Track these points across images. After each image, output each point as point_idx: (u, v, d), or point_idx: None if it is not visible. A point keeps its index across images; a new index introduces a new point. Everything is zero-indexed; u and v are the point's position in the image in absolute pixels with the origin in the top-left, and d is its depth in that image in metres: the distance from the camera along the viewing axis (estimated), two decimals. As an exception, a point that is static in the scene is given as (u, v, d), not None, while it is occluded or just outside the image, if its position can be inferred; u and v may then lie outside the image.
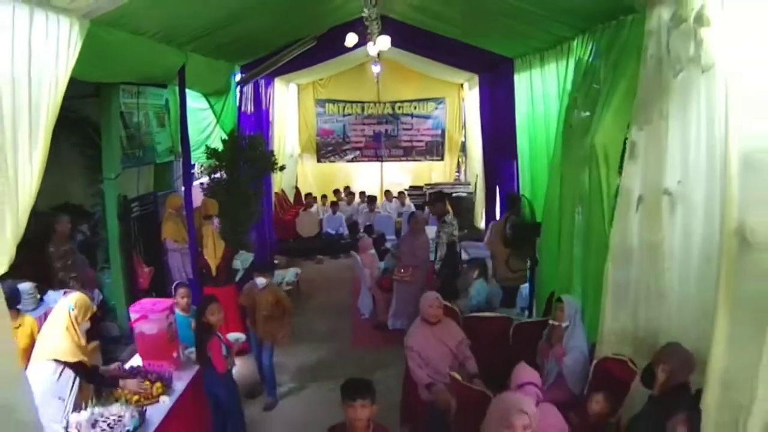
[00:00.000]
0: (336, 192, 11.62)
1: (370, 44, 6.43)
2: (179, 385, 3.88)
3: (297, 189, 12.08)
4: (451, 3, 6.07)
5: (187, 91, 6.17)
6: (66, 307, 3.43)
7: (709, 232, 3.31)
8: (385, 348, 6.13)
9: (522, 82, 7.08)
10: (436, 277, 6.41)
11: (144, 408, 3.55)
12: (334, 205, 10.74)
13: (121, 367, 4.00)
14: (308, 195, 11.20)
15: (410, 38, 8.16)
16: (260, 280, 4.97)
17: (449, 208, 7.78)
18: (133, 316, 3.98)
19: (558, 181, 5.00)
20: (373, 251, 7.31)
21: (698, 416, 3.00)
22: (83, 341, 3.48)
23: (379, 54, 9.19)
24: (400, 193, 11.38)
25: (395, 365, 5.33)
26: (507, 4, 5.03)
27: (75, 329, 3.42)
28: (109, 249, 6.05)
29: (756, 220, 2.80)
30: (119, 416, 3.44)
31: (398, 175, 12.77)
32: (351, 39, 5.87)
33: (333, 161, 12.79)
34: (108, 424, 3.37)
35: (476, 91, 10.16)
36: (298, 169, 12.43)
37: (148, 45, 4.73)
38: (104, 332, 5.80)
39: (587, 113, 4.44)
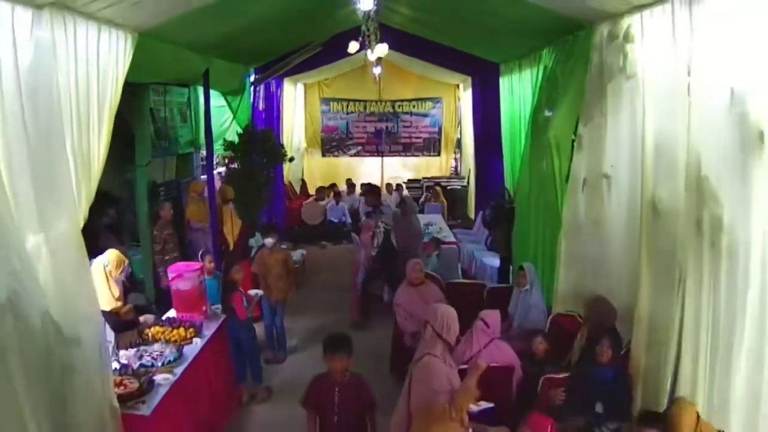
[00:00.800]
0: (334, 186, 12.32)
1: (369, 51, 7.25)
2: (207, 331, 4.74)
3: (303, 181, 12.94)
4: (441, 15, 6.90)
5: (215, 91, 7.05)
6: (101, 264, 4.27)
7: (633, 205, 4.15)
8: (379, 316, 6.98)
9: (506, 84, 7.92)
10: (374, 262, 7.04)
11: (181, 346, 4.41)
12: (336, 195, 11.58)
13: (158, 319, 4.87)
14: (320, 188, 11.94)
15: (408, 44, 9.04)
16: (269, 240, 5.83)
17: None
18: (171, 275, 4.86)
19: (527, 170, 5.85)
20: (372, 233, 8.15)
21: (619, 337, 3.83)
22: (117, 292, 4.32)
23: (379, 57, 10.02)
24: (398, 185, 12.23)
25: (386, 328, 6.17)
26: (488, 18, 5.87)
27: (109, 282, 4.25)
28: (139, 228, 6.90)
29: (662, 193, 3.66)
30: (161, 352, 4.31)
31: (398, 170, 13.61)
32: (353, 46, 6.70)
33: (337, 156, 13.66)
34: (152, 357, 4.24)
35: (470, 91, 10.99)
36: (304, 162, 13.29)
37: (180, 52, 5.60)
38: (133, 302, 6.67)
39: (549, 113, 5.29)
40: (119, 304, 4.29)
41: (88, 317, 3.38)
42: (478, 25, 6.51)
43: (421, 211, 10.44)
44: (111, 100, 3.93)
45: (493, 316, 4.13)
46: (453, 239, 8.12)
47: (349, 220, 11.10)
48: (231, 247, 6.73)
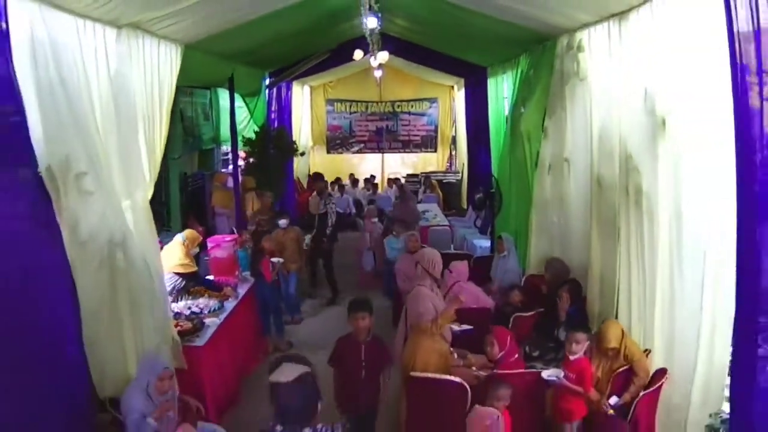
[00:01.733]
0: (338, 179, 13.29)
1: (371, 58, 8.25)
2: (240, 291, 5.75)
3: (309, 176, 13.92)
4: (434, 27, 7.90)
5: (227, 91, 8.04)
6: (181, 238, 5.31)
7: (585, 182, 5.15)
8: (381, 288, 7.97)
9: (492, 86, 8.93)
10: (326, 240, 7.85)
11: (221, 301, 5.41)
12: (341, 188, 12.59)
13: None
14: (311, 182, 12.85)
15: (406, 50, 10.04)
16: (283, 221, 6.86)
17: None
18: (210, 245, 5.87)
19: (507, 158, 6.86)
20: (375, 219, 9.14)
21: (578, 286, 4.82)
22: (188, 259, 5.33)
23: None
24: (397, 179, 13.22)
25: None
26: (476, 30, 6.86)
27: (184, 251, 5.27)
28: (171, 213, 7.90)
29: (604, 171, 4.66)
30: (206, 304, 5.31)
31: (397, 165, 14.62)
32: (358, 54, 7.72)
33: (341, 152, 14.67)
34: (199, 308, 5.24)
35: (463, 92, 11.99)
36: (310, 159, 14.29)
37: (212, 60, 6.60)
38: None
39: (523, 109, 6.30)
40: (189, 265, 5.30)
41: (156, 269, 4.39)
42: (466, 36, 7.51)
43: (419, 202, 11.43)
44: (167, 100, 4.95)
45: (457, 265, 5.16)
46: (446, 223, 9.12)
47: (354, 210, 12.10)
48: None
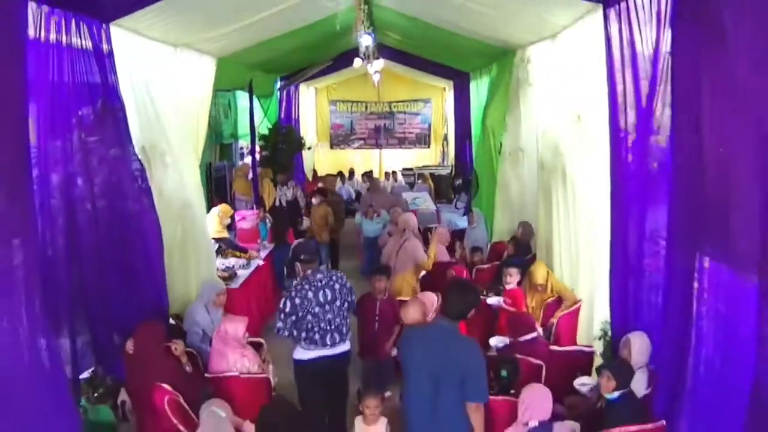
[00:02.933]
0: (341, 173, 14.69)
1: (369, 65, 9.65)
2: (262, 254, 7.15)
3: (314, 170, 15.34)
4: (422, 40, 9.29)
5: (244, 93, 9.45)
6: (216, 211, 6.72)
7: (534, 166, 6.53)
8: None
9: (474, 88, 10.32)
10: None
11: (247, 260, 6.81)
12: (342, 180, 14.01)
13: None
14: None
15: (400, 57, 11.45)
16: (315, 200, 8.28)
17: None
18: (237, 218, 7.28)
19: (480, 149, 8.26)
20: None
21: (527, 244, 6.21)
22: (222, 228, 6.74)
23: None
24: (394, 172, 14.63)
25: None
26: (456, 43, 8.23)
27: (220, 222, 6.68)
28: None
29: (545, 157, 6.05)
30: (236, 262, 6.72)
31: (394, 160, 16.00)
32: (357, 62, 9.11)
33: (343, 148, 16.08)
34: (231, 264, 6.64)
35: (452, 94, 13.38)
36: (315, 154, 15.68)
37: (236, 68, 8.00)
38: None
39: (491, 108, 7.69)
40: (222, 231, 6.72)
41: (205, 229, 5.81)
42: (450, 47, 8.90)
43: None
44: (207, 101, 6.37)
45: (440, 230, 6.60)
46: (433, 208, 10.52)
47: (354, 198, 13.53)
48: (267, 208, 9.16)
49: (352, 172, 14.96)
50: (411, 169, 15.23)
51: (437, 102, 15.69)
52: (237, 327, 4.15)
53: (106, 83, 4.17)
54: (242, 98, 10.50)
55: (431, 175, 14.10)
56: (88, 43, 4.05)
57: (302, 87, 13.52)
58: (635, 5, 3.74)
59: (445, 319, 3.13)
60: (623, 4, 3.89)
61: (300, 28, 7.24)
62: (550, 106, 5.81)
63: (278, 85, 10.97)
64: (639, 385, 3.57)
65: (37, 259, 3.24)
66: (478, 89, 9.96)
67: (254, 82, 8.98)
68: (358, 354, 4.99)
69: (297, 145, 11.02)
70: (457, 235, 7.79)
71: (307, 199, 9.79)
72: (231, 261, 6.73)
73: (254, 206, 8.67)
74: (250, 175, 9.45)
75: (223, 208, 6.78)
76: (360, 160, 16.06)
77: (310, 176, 15.02)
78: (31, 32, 3.49)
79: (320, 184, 10.15)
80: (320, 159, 15.97)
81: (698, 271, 3.11)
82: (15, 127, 3.01)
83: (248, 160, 11.16)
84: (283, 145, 10.63)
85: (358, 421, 3.64)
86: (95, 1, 4.06)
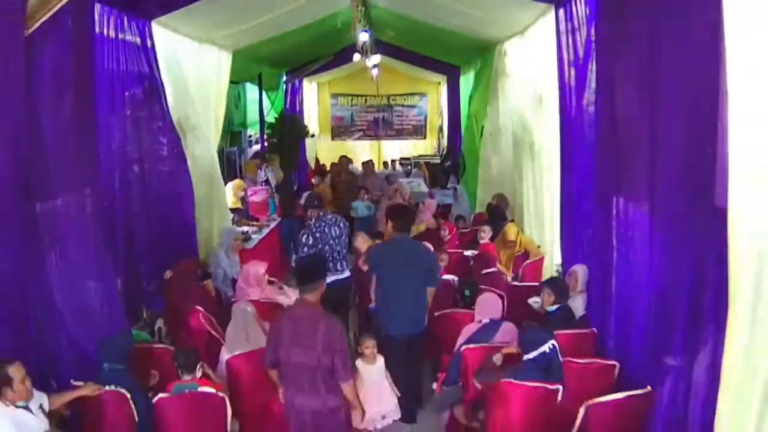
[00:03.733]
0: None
1: (367, 60, 10.61)
2: (271, 224, 8.12)
3: (317, 159, 16.30)
4: (415, 36, 10.24)
5: (252, 86, 10.41)
6: (231, 185, 7.69)
7: (509, 144, 7.48)
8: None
9: (463, 81, 11.29)
10: None
11: (259, 228, 7.77)
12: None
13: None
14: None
15: (396, 52, 12.40)
16: (314, 180, 9.23)
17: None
18: (250, 192, 8.25)
19: (467, 133, 9.22)
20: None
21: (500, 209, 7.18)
22: (238, 200, 7.71)
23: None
24: (393, 161, 15.57)
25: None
26: (446, 39, 9.18)
27: (235, 194, 7.65)
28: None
29: (517, 136, 7.01)
30: (249, 229, 7.67)
31: (392, 150, 16.94)
32: (356, 56, 10.07)
33: (343, 140, 17.02)
34: (245, 231, 7.60)
35: (446, 87, 14.34)
36: (317, 144, 16.64)
37: (248, 62, 8.95)
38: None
39: (475, 97, 8.65)
40: (237, 203, 7.71)
41: (223, 195, 6.80)
42: (441, 43, 9.86)
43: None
44: (225, 88, 7.33)
45: (428, 201, 7.54)
46: (426, 190, 11.46)
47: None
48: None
49: (350, 161, 15.94)
50: (408, 159, 16.16)
51: (433, 96, 16.63)
52: (258, 268, 5.12)
53: (149, 69, 5.16)
54: (250, 91, 11.46)
55: (426, 164, 15.04)
56: (136, 39, 5.04)
57: (305, 82, 14.46)
58: (576, 7, 4.70)
59: (400, 233, 4.19)
60: (569, 6, 4.86)
61: (305, 26, 8.19)
62: (520, 90, 6.77)
63: (284, 78, 11.93)
64: (579, 305, 4.52)
65: (101, 207, 4.22)
66: (467, 82, 10.92)
67: (262, 75, 9.93)
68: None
69: (301, 133, 11.98)
70: (445, 209, 8.75)
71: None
72: (245, 228, 7.69)
73: (263, 184, 9.65)
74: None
75: (237, 182, 7.75)
76: (359, 150, 16.99)
77: (312, 165, 16.01)
78: (96, 29, 4.45)
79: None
80: (322, 149, 16.90)
81: (615, 208, 4.07)
82: (86, 104, 3.99)
83: (256, 147, 12.16)
84: (288, 133, 11.57)
85: (359, 362, 4.01)
86: (141, 2, 5.03)
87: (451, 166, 9.70)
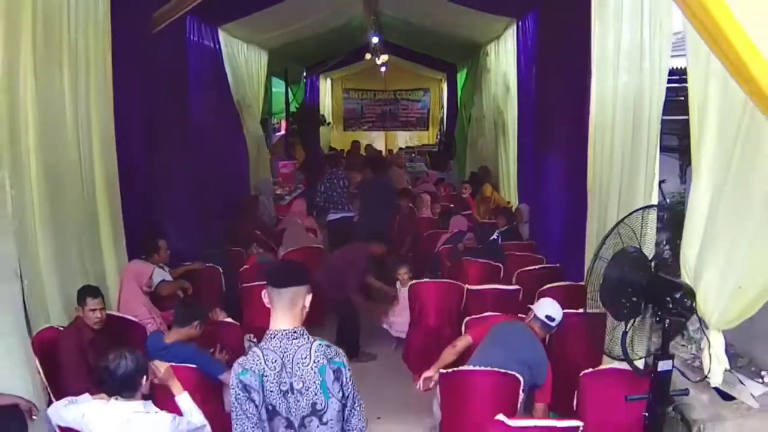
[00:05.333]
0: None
1: (377, 59, 12.49)
2: (298, 190, 10.01)
3: (330, 147, 18.21)
4: (418, 38, 12.11)
5: (277, 80, 12.31)
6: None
7: (491, 126, 9.34)
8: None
9: (459, 78, 13.14)
10: None
11: (289, 192, 9.67)
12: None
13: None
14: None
15: (403, 52, 14.28)
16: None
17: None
18: (280, 165, 10.17)
19: (460, 122, 11.11)
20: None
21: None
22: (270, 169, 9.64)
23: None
24: (400, 149, 17.44)
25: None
26: (443, 42, 11.04)
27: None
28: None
29: (496, 119, 8.88)
30: (280, 191, 9.58)
31: (398, 140, 18.83)
32: (367, 56, 11.96)
33: (354, 130, 18.90)
34: (278, 194, 9.52)
35: (446, 84, 16.20)
36: (330, 135, 18.54)
37: (278, 59, 10.84)
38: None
39: (464, 89, 10.52)
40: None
41: (266, 158, 8.73)
42: (440, 45, 11.74)
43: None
44: (263, 82, 9.24)
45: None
46: (425, 170, 13.36)
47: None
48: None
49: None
50: (412, 148, 18.06)
51: (434, 92, 18.50)
52: (300, 204, 7.03)
53: (217, 62, 7.07)
54: (275, 85, 13.38)
55: (428, 152, 16.94)
56: (209, 42, 6.94)
57: (321, 78, 16.38)
58: (528, 23, 6.58)
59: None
60: (523, 21, 6.73)
61: (325, 30, 10.08)
62: (496, 83, 8.64)
63: (304, 74, 13.84)
64: (525, 231, 6.40)
65: (189, 164, 6.10)
66: (462, 78, 12.79)
67: (288, 71, 11.83)
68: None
69: (319, 121, 13.89)
70: (440, 180, 10.67)
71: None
72: (279, 191, 9.62)
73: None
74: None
75: (268, 156, 9.67)
76: (369, 140, 18.87)
77: (326, 151, 17.96)
78: (186, 33, 6.36)
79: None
80: (335, 139, 18.82)
81: (543, 164, 5.93)
82: (182, 90, 5.89)
83: (278, 133, 14.10)
84: (308, 121, 13.48)
85: (398, 284, 5.06)
86: (212, 15, 6.94)
87: (444, 148, 11.55)
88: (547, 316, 3.35)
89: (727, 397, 3.51)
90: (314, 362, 2.03)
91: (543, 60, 5.79)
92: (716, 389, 4.65)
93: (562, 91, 5.13)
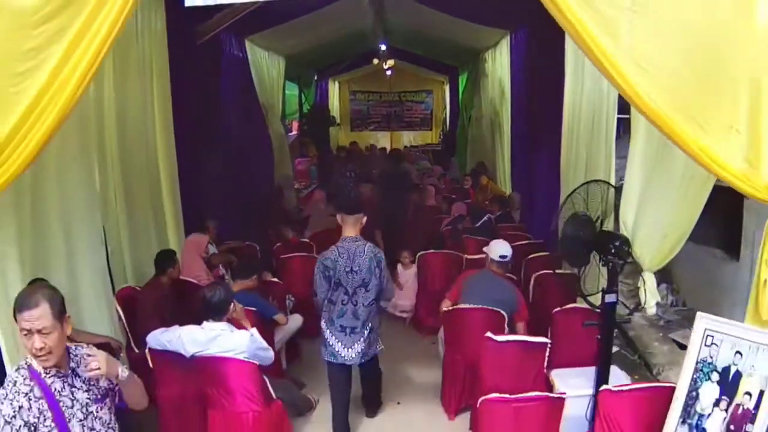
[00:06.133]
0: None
1: (384, 63, 13.43)
2: (313, 185, 10.95)
3: (338, 146, 19.14)
4: (423, 43, 13.04)
5: (290, 83, 13.24)
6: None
7: (489, 124, 10.26)
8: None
9: (460, 81, 14.08)
10: None
11: (304, 188, 10.61)
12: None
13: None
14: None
15: (407, 56, 15.22)
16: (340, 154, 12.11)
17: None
18: (296, 162, 11.12)
19: (461, 121, 12.04)
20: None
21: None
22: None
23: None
24: (405, 147, 18.35)
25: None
26: (446, 47, 11.96)
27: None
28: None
29: (492, 117, 9.81)
30: (298, 185, 10.52)
31: (402, 140, 19.75)
32: (375, 61, 12.89)
33: (361, 130, 19.82)
34: (297, 187, 10.46)
35: (448, 86, 17.13)
36: (339, 135, 19.47)
37: (293, 65, 11.78)
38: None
39: (465, 92, 11.45)
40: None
41: (287, 154, 9.68)
42: (442, 49, 12.67)
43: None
44: (282, 84, 10.19)
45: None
46: (430, 166, 14.29)
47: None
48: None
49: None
50: (416, 147, 18.99)
51: (437, 93, 19.42)
52: (320, 194, 7.97)
53: (245, 68, 8.01)
54: (289, 87, 14.33)
55: (431, 150, 17.86)
56: (238, 52, 7.88)
57: (330, 82, 17.32)
58: (518, 35, 7.50)
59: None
60: (515, 34, 7.65)
61: (336, 39, 11.02)
62: (493, 87, 9.57)
63: (315, 78, 14.79)
64: (517, 216, 7.32)
65: (228, 159, 7.03)
66: (462, 81, 13.73)
67: (300, 75, 12.78)
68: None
69: (329, 122, 14.86)
70: (442, 175, 11.60)
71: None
72: (296, 185, 10.58)
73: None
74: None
75: (288, 153, 10.62)
76: (374, 140, 19.82)
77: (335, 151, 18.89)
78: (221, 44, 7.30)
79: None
80: (342, 138, 19.75)
81: (531, 158, 6.85)
82: (219, 94, 6.83)
83: (292, 133, 15.06)
84: (319, 121, 14.45)
85: (399, 266, 5.89)
86: (241, 26, 7.88)
87: (446, 147, 12.49)
88: (501, 256, 4.25)
89: (683, 347, 4.45)
90: (366, 255, 3.73)
91: (530, 69, 6.72)
92: (675, 341, 5.64)
93: (544, 95, 6.05)
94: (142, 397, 2.39)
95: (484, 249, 4.41)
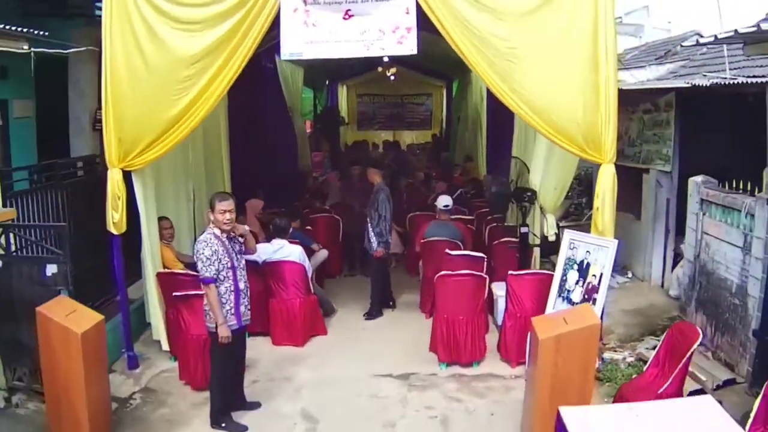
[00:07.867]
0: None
1: (387, 71, 15.56)
2: (326, 174, 13.07)
3: (346, 144, 21.24)
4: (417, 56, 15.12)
5: (305, 88, 15.38)
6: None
7: (473, 124, 12.35)
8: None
9: (454, 87, 16.17)
10: None
11: (319, 176, 12.73)
12: (367, 150, 19.93)
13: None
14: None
15: (409, 64, 17.31)
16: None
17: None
18: (313, 155, 13.25)
19: (455, 123, 14.14)
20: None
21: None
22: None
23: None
24: (408, 145, 20.42)
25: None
26: (442, 60, 14.05)
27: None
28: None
29: (475, 118, 11.92)
30: (316, 174, 12.66)
31: (404, 139, 21.82)
32: (380, 69, 15.01)
33: (366, 129, 21.88)
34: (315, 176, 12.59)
35: (446, 91, 19.21)
36: (347, 132, 21.57)
37: (309, 73, 13.89)
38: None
39: (455, 97, 13.56)
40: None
41: (307, 148, 11.82)
42: (439, 61, 14.76)
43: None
44: (301, 90, 12.35)
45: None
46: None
47: (375, 162, 19.47)
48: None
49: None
50: (417, 145, 21.08)
51: (436, 97, 21.46)
52: (334, 177, 10.09)
53: (276, 78, 10.15)
54: (304, 91, 16.46)
55: (426, 148, 19.94)
56: (272, 65, 10.03)
57: (339, 85, 19.45)
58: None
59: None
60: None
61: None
62: (475, 93, 11.67)
63: (326, 82, 16.94)
64: (487, 192, 9.41)
65: (267, 149, 9.18)
66: (458, 90, 15.84)
67: (315, 81, 14.90)
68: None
69: (339, 122, 17.01)
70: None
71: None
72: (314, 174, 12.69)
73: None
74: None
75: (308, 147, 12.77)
76: (379, 138, 21.92)
77: (343, 148, 21.05)
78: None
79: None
80: (350, 137, 21.89)
81: (503, 151, 8.95)
82: (258, 99, 8.98)
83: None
84: (330, 120, 16.58)
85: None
86: (276, 48, 10.02)
87: (436, 145, 14.67)
88: (444, 205, 6.46)
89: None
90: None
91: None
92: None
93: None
94: (253, 248, 4.61)
95: (434, 202, 6.57)
